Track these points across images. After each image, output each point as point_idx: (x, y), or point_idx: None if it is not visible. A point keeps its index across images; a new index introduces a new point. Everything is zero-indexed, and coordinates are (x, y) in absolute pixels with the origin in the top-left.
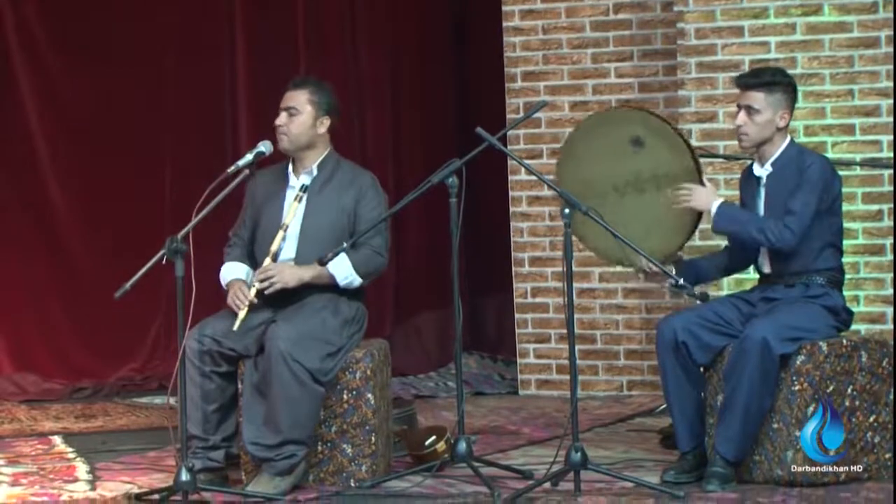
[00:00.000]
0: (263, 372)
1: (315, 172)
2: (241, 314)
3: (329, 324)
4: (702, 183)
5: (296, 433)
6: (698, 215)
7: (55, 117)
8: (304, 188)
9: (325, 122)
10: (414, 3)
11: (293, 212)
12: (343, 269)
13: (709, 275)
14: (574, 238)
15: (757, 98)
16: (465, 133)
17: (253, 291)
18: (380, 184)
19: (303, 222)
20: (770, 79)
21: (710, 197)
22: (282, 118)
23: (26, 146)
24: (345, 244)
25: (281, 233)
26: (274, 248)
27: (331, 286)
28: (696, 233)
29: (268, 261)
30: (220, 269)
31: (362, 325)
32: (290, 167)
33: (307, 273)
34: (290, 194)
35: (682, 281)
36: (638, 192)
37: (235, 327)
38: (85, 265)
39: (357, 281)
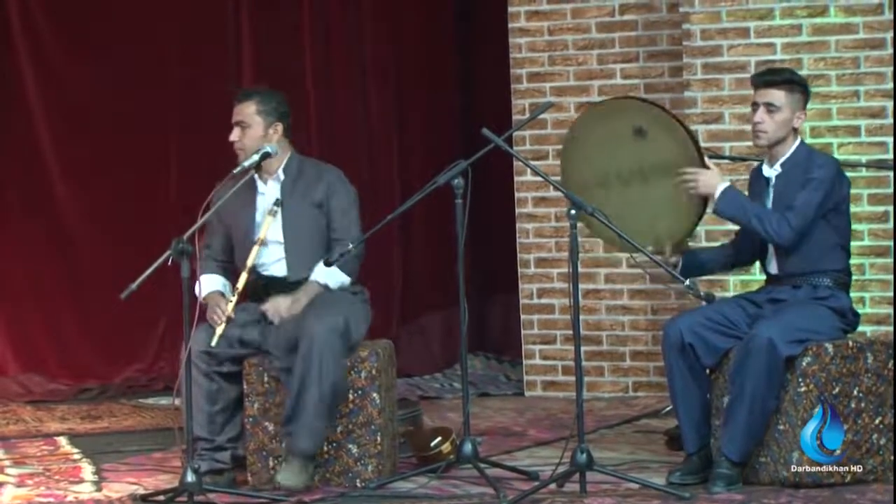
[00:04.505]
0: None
1: (282, 177)
2: (219, 330)
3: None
4: (705, 167)
5: (323, 404)
6: (704, 202)
7: (60, 111)
8: (277, 202)
9: (279, 128)
10: (419, 2)
11: (268, 225)
12: (334, 277)
13: (713, 267)
14: (582, 230)
15: (778, 96)
16: (471, 134)
17: (230, 306)
18: (346, 177)
19: (283, 228)
20: (790, 77)
21: (715, 179)
22: (234, 134)
23: (30, 145)
24: (350, 245)
25: (256, 248)
26: (250, 262)
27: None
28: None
29: (244, 276)
30: None
31: (365, 298)
32: (256, 174)
33: (305, 297)
34: (262, 201)
35: (687, 281)
36: (643, 181)
37: (213, 342)
38: (91, 266)
39: (347, 280)
